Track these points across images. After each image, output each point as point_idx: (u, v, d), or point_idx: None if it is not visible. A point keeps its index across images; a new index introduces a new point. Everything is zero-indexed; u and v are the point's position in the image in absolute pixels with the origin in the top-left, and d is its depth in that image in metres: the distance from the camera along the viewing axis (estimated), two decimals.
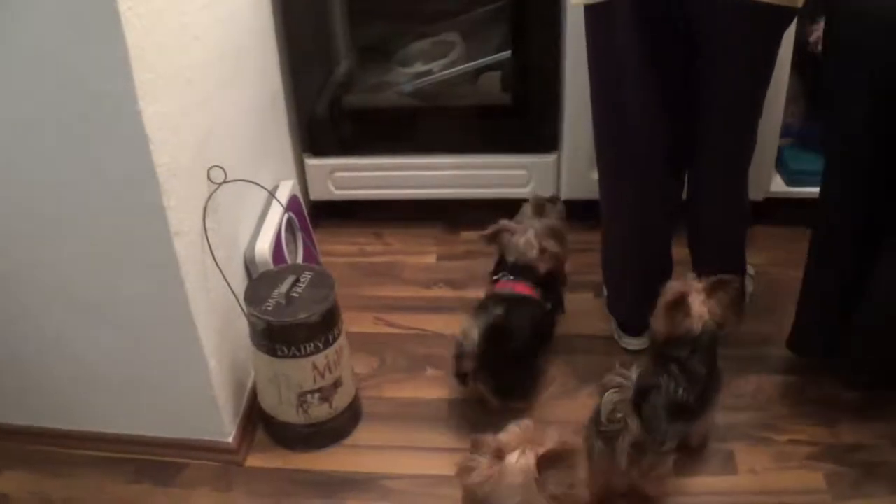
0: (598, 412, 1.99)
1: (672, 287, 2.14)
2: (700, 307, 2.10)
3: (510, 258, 2.49)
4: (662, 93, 2.21)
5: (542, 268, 2.46)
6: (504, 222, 2.52)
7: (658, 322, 2.15)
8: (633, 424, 1.94)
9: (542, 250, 2.47)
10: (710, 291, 2.13)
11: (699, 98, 2.22)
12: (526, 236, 2.48)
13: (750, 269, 2.71)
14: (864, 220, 2.16)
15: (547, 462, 1.74)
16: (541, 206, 2.59)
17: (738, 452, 2.27)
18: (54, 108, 1.80)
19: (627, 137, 2.30)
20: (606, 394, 1.97)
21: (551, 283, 2.50)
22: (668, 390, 2.03)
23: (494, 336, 2.26)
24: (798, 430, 2.32)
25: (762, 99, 2.25)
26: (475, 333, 2.25)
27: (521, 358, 2.38)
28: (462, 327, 2.29)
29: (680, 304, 2.10)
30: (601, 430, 1.98)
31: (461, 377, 2.33)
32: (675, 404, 2.03)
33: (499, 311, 2.29)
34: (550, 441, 1.77)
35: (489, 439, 1.80)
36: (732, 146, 2.33)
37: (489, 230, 2.52)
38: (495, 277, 2.49)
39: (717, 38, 2.09)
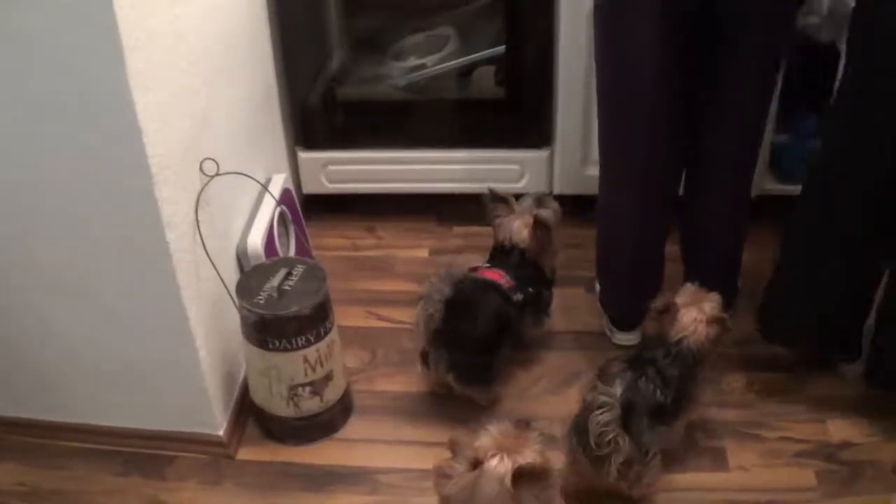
0: (583, 431, 1.95)
1: (680, 293, 2.16)
2: (689, 321, 2.11)
3: (500, 236, 2.49)
4: (676, 85, 2.20)
5: (529, 250, 2.46)
6: (508, 197, 2.53)
7: (649, 323, 2.16)
8: (625, 444, 1.93)
9: (533, 233, 2.45)
10: (711, 321, 2.12)
11: (714, 93, 2.22)
12: (522, 218, 2.47)
13: None
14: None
15: (524, 476, 1.72)
16: (540, 200, 2.56)
17: (728, 449, 2.27)
18: (47, 99, 1.79)
19: (635, 132, 2.28)
20: (593, 415, 1.92)
21: (533, 278, 2.48)
22: (646, 394, 2.03)
23: (448, 315, 2.26)
24: (788, 427, 2.33)
25: (773, 91, 2.26)
26: (430, 309, 2.26)
27: (476, 342, 2.34)
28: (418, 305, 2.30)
29: (670, 313, 2.11)
30: (593, 454, 1.94)
31: (423, 356, 2.37)
32: (654, 407, 2.03)
33: (455, 290, 2.28)
34: (530, 452, 1.75)
35: (466, 442, 1.78)
36: (743, 142, 2.33)
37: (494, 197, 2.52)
38: (474, 265, 2.49)
39: (738, 22, 2.09)
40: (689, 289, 2.18)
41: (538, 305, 2.52)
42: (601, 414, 1.91)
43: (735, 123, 2.28)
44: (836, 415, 2.35)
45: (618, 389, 1.99)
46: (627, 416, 1.95)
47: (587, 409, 1.95)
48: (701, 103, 2.26)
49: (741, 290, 2.67)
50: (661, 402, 2.05)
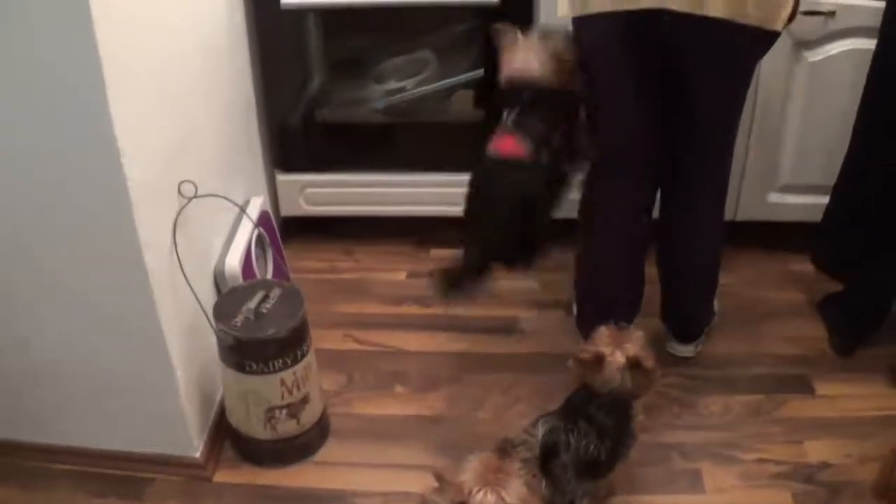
0: None
1: (598, 340, 2.09)
2: (614, 370, 2.03)
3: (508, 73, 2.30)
4: (645, 108, 2.24)
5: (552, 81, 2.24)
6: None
7: (574, 371, 2.12)
8: (540, 487, 1.91)
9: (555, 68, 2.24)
10: (634, 363, 2.04)
11: (681, 118, 2.24)
12: (528, 51, 2.27)
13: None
14: None
15: None
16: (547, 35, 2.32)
17: (705, 472, 2.28)
18: (26, 118, 1.80)
19: (612, 151, 2.32)
20: (512, 451, 1.92)
21: (555, 114, 2.27)
22: (577, 448, 2.00)
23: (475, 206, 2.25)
24: (765, 448, 2.33)
25: (739, 115, 2.28)
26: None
27: (507, 224, 2.24)
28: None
29: (595, 363, 2.05)
30: None
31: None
32: (586, 461, 2.01)
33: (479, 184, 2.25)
34: (515, 487, 1.74)
35: (450, 477, 1.77)
36: (712, 166, 2.35)
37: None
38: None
39: (697, 58, 2.12)
40: (606, 332, 2.10)
41: (573, 148, 2.34)
42: (518, 450, 1.93)
43: (702, 151, 2.31)
44: (813, 436, 2.36)
45: (539, 431, 1.99)
46: (547, 459, 1.95)
47: (503, 447, 1.95)
48: (671, 133, 2.29)
49: (719, 312, 2.69)
50: (595, 457, 2.02)
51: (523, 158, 2.22)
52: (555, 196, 2.34)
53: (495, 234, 2.27)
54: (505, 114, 2.30)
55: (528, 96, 2.25)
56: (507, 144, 2.24)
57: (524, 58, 2.27)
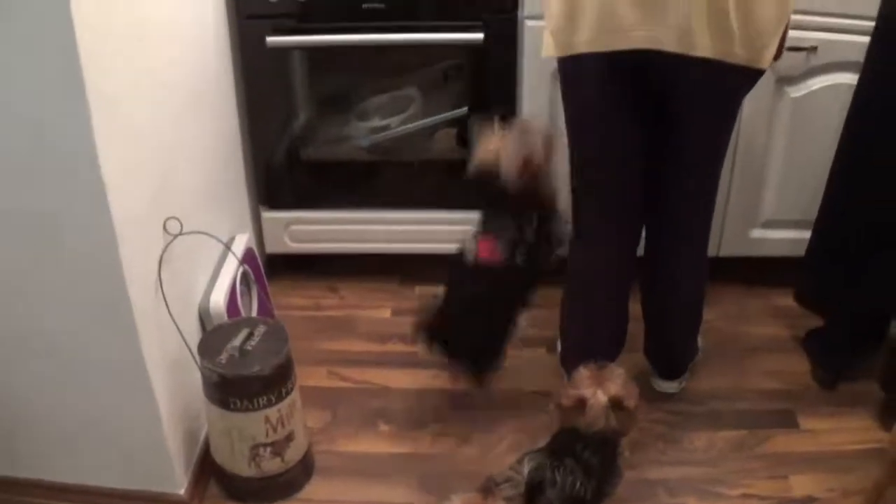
0: None
1: (578, 382, 2.09)
2: (597, 412, 2.03)
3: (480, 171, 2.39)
4: (631, 146, 2.25)
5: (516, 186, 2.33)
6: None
7: (554, 415, 2.13)
8: None
9: (523, 159, 2.33)
10: (616, 403, 2.05)
11: (667, 157, 2.26)
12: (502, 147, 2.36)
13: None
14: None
15: None
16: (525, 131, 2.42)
17: None
18: (10, 153, 1.80)
19: (597, 191, 2.34)
20: (496, 489, 1.93)
21: (528, 211, 2.38)
22: (563, 486, 2.00)
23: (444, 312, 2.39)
24: (750, 484, 2.34)
25: (724, 153, 2.29)
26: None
27: (483, 323, 2.41)
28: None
29: (578, 406, 2.05)
30: None
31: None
32: (572, 499, 2.00)
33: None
34: None
35: None
36: (697, 204, 2.36)
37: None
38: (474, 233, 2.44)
39: (685, 97, 2.13)
40: (586, 374, 2.10)
41: (548, 239, 2.44)
42: (503, 487, 1.93)
43: (688, 188, 2.32)
44: (798, 470, 2.37)
45: (525, 468, 1.99)
46: (533, 497, 1.95)
47: (488, 485, 1.96)
48: (657, 173, 2.31)
49: (703, 348, 2.70)
50: (581, 495, 2.01)
51: (498, 265, 2.36)
52: (527, 294, 2.48)
53: (460, 339, 2.41)
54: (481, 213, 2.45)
55: (495, 192, 2.36)
56: (485, 249, 2.37)
57: (494, 152, 2.36)
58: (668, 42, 1.99)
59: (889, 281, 2.45)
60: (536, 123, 2.47)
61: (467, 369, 2.50)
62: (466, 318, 2.39)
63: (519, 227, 2.37)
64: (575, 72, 2.18)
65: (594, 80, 2.15)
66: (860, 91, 2.39)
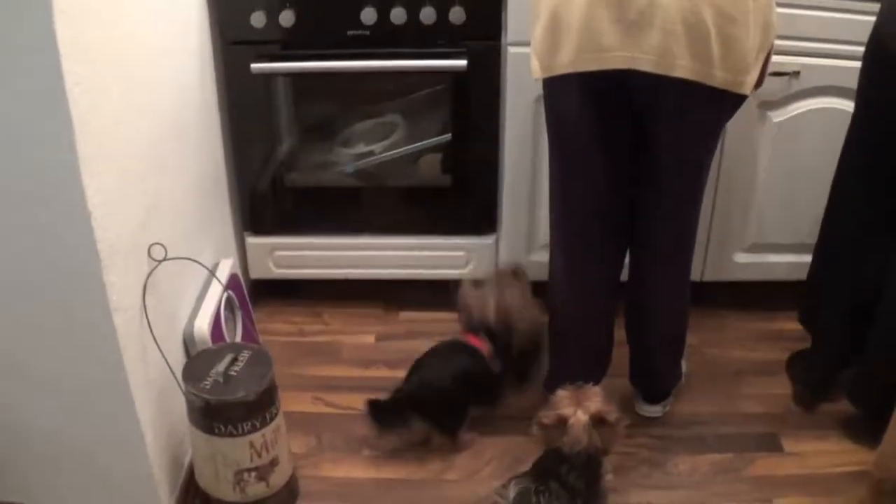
0: None
1: (558, 403, 2.11)
2: (579, 432, 2.05)
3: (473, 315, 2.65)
4: (613, 170, 2.26)
5: (495, 325, 2.60)
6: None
7: (539, 437, 2.15)
8: None
9: (499, 310, 2.60)
10: (598, 421, 2.07)
11: (648, 182, 2.27)
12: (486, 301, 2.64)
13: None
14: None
15: None
16: (504, 276, 2.72)
17: None
18: None
19: (580, 211, 2.35)
20: None
21: (506, 347, 2.62)
22: None
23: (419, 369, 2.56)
24: None
25: (705, 179, 2.30)
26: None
27: (445, 394, 2.52)
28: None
29: (559, 425, 2.07)
30: None
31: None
32: None
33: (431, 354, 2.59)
34: None
35: None
36: (679, 229, 2.37)
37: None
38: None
39: (664, 117, 2.15)
40: (564, 395, 2.13)
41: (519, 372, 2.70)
42: None
43: (667, 211, 2.33)
44: (782, 493, 2.37)
45: (511, 493, 1.99)
46: None
47: None
48: (638, 198, 2.33)
49: (687, 372, 2.71)
50: None
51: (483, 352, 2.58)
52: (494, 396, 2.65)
53: (431, 395, 2.52)
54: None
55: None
56: (475, 340, 2.61)
57: (474, 302, 2.66)
58: (647, 63, 2.00)
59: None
60: (511, 270, 2.76)
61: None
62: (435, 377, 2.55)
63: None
64: (558, 92, 2.21)
65: (576, 100, 2.16)
66: (858, 120, 2.39)
